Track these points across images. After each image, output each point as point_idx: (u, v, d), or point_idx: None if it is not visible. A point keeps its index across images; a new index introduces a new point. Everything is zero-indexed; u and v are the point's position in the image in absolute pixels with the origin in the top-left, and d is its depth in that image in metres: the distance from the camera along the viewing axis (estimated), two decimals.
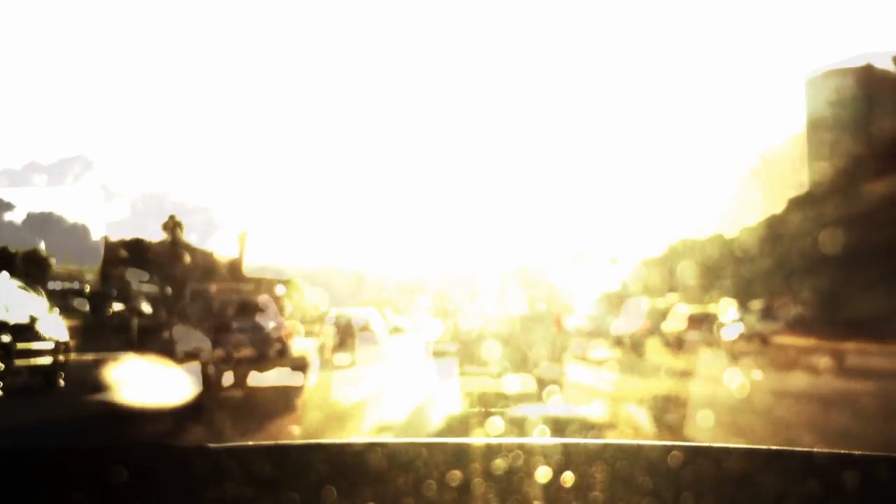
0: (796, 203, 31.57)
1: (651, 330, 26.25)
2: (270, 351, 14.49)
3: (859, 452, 1.74)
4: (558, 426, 8.17)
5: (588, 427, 8.67)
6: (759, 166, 48.01)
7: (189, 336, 14.23)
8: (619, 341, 24.16)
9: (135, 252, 48.59)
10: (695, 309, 31.16)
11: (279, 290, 17.07)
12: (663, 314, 28.29)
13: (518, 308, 14.69)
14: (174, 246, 52.17)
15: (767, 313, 20.75)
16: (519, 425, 7.99)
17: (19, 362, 13.02)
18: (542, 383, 13.09)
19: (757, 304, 21.87)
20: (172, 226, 55.60)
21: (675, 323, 26.48)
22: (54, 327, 14.63)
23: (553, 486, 1.64)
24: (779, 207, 34.88)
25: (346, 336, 26.61)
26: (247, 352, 14.01)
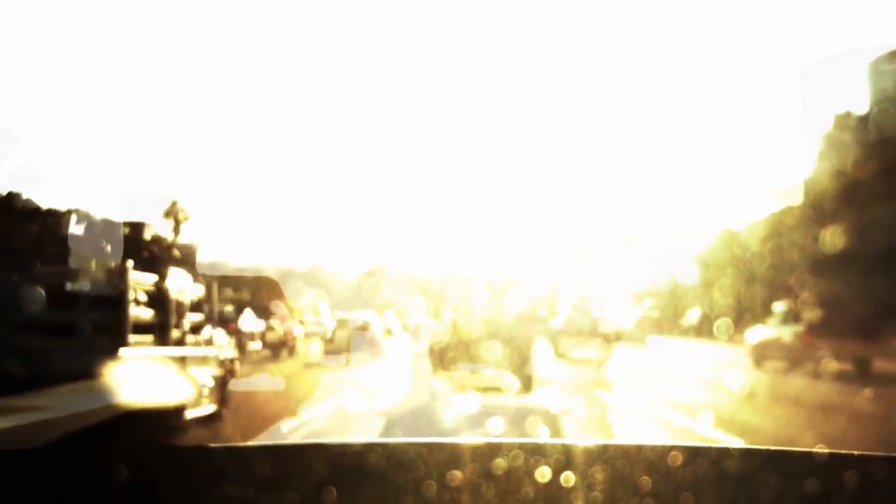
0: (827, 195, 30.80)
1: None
2: None
3: (859, 452, 1.75)
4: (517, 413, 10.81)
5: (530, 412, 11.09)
6: (761, 162, 48.07)
7: (217, 335, 12.56)
8: (607, 339, 25.12)
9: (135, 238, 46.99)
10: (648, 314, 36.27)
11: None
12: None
13: (512, 309, 15.52)
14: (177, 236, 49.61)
15: (790, 315, 20.07)
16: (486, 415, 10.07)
17: None
18: (523, 379, 14.47)
19: (781, 306, 21.13)
20: (176, 213, 50.77)
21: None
22: None
23: (553, 487, 1.65)
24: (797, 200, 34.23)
25: (343, 338, 26.88)
26: None
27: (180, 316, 10.25)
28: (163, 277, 9.95)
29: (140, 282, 9.45)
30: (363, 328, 30.22)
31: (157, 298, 9.73)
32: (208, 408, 10.26)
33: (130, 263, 9.17)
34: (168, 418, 8.62)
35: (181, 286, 10.48)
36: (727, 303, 33.90)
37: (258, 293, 29.87)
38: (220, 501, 1.68)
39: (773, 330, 20.02)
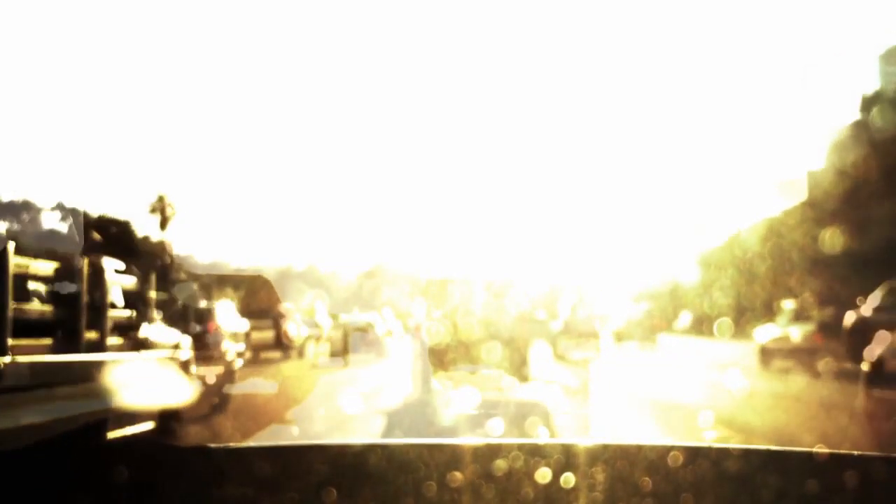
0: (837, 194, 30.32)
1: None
2: None
3: (859, 452, 1.75)
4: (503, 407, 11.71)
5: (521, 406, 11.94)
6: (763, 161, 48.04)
7: (167, 333, 10.90)
8: (607, 339, 25.44)
9: (117, 236, 39.81)
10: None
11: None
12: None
13: (511, 310, 15.81)
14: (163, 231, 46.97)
15: (799, 315, 19.76)
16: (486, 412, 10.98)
17: None
18: (522, 380, 14.82)
19: (790, 305, 20.75)
20: (163, 208, 48.25)
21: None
22: None
23: (553, 487, 1.65)
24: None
25: (341, 339, 26.92)
26: None
27: (99, 313, 8.16)
28: (70, 268, 7.77)
29: (31, 269, 7.26)
30: (364, 329, 30.29)
31: (60, 293, 7.69)
32: (144, 424, 7.91)
33: (12, 246, 6.74)
34: (80, 441, 5.54)
35: (106, 276, 8.31)
36: (727, 302, 33.91)
37: (251, 292, 29.70)
38: (220, 502, 1.68)
39: (781, 329, 19.77)
